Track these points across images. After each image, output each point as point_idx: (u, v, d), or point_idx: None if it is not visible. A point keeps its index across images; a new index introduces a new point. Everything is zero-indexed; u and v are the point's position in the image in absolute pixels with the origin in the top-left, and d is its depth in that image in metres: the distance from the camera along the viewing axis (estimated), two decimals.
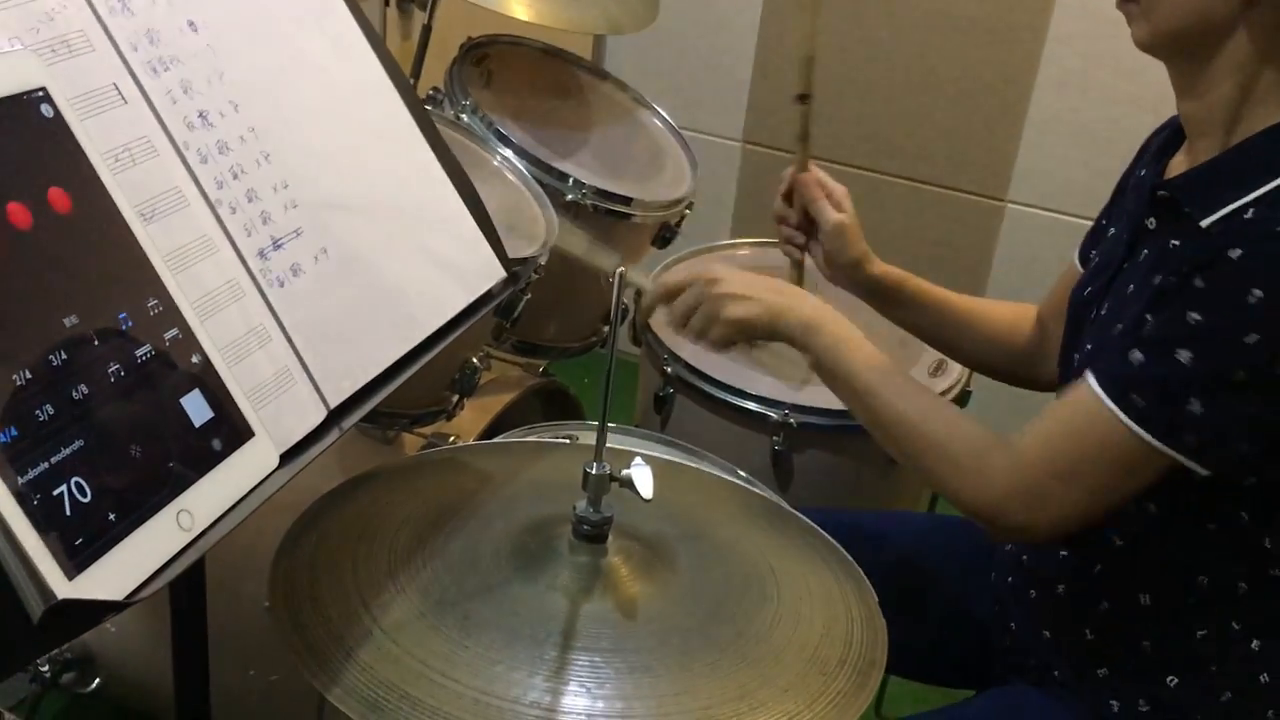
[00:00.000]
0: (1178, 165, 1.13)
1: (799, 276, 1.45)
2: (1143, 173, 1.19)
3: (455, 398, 1.52)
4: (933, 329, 1.44)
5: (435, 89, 1.70)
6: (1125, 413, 0.99)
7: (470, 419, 1.68)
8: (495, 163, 1.60)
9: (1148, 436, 0.99)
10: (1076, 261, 1.31)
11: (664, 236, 1.80)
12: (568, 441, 1.22)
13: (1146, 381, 0.99)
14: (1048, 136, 2.58)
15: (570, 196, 1.60)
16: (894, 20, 2.59)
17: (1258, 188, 0.99)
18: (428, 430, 1.60)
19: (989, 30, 2.53)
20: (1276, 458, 1.01)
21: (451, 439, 1.59)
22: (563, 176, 1.61)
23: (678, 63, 2.80)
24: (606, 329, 1.85)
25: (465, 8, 1.56)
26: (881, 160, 2.68)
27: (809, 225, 1.42)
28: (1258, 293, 0.94)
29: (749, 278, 1.23)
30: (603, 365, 0.93)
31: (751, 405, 1.63)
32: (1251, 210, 0.98)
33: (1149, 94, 2.32)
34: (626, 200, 1.67)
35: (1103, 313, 1.13)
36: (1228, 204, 1.00)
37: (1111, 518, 1.08)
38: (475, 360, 1.51)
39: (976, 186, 2.64)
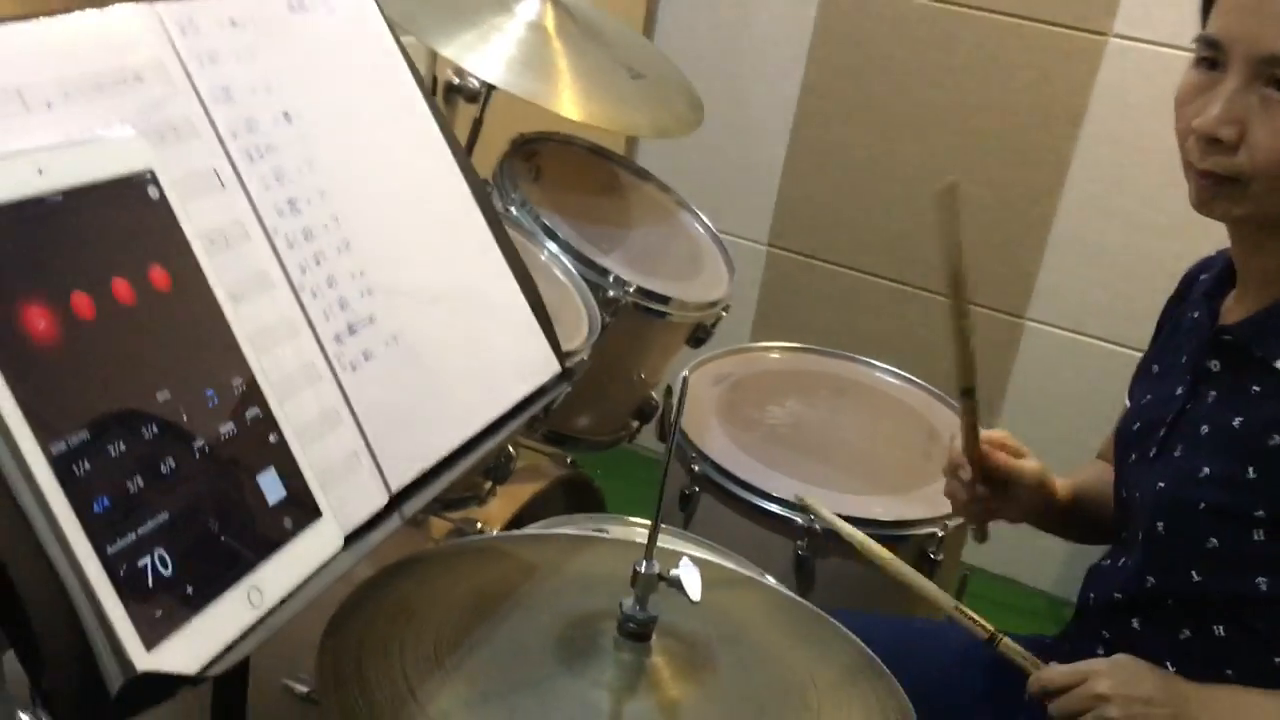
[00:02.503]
0: (1233, 309, 1.15)
1: (982, 533, 1.47)
2: (1195, 314, 1.21)
3: (489, 484, 1.53)
4: (1089, 527, 1.42)
5: (485, 181, 1.74)
6: None
7: (497, 507, 1.69)
8: (543, 258, 1.63)
9: None
10: (1127, 400, 1.34)
11: (698, 337, 1.82)
12: (605, 535, 1.23)
13: None
14: (1069, 257, 2.62)
15: (612, 293, 1.63)
16: (924, 137, 2.65)
17: None
18: (456, 516, 1.61)
19: (1016, 151, 2.59)
20: None
21: (480, 526, 1.59)
22: (604, 273, 1.64)
23: (708, 164, 2.85)
24: (636, 424, 1.86)
25: (512, 102, 1.59)
26: (906, 272, 2.72)
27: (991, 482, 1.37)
28: None
29: (1131, 696, 1.12)
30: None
31: (776, 508, 1.64)
32: None
33: (1170, 221, 2.37)
34: (665, 299, 1.70)
35: (1176, 454, 1.15)
36: None
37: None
38: (511, 448, 1.53)
39: (997, 302, 2.68)
